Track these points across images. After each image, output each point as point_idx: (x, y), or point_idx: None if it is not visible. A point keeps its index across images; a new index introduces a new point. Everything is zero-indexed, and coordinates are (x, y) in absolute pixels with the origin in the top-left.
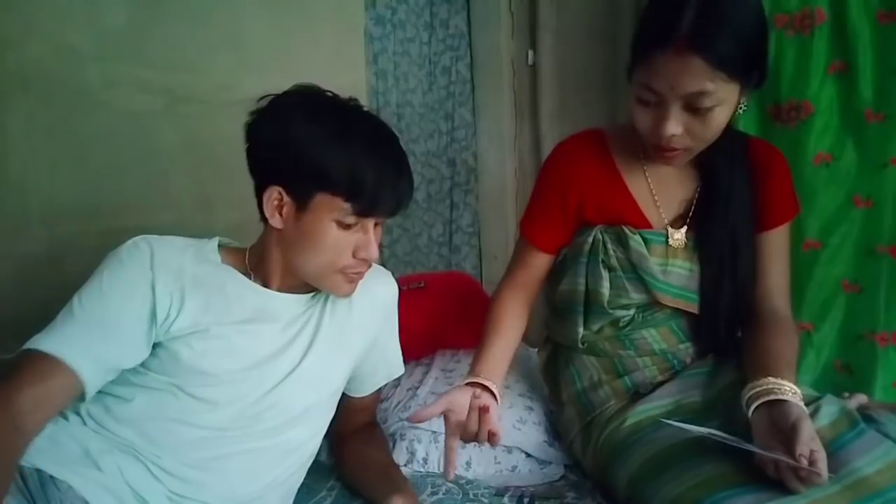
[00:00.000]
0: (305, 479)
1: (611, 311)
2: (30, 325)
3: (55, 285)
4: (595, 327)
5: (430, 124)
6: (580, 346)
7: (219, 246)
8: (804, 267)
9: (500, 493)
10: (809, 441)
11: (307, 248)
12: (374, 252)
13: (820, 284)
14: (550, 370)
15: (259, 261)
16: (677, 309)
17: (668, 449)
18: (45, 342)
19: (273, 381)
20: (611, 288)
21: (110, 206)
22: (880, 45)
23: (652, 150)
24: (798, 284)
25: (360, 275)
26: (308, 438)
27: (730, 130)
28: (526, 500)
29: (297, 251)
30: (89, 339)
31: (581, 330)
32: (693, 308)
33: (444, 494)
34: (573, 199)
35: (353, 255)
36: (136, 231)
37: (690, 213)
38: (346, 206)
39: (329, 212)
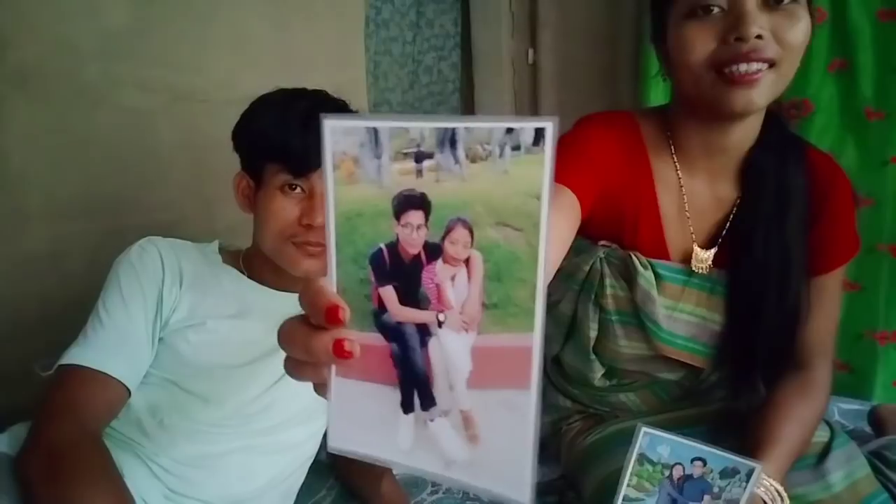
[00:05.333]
0: (304, 478)
1: (593, 357)
2: (29, 323)
3: (55, 283)
4: (569, 358)
5: None
6: (553, 364)
7: (220, 248)
8: None
9: None
10: None
11: (261, 223)
12: (316, 217)
13: None
14: None
15: (252, 259)
16: (658, 375)
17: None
18: (86, 356)
19: (269, 381)
20: (599, 331)
21: (110, 204)
22: (880, 43)
23: (721, 84)
24: None
25: (314, 247)
26: (306, 439)
27: (780, 122)
28: None
29: (257, 231)
30: (124, 349)
31: (557, 347)
32: (700, 362)
33: (443, 494)
34: (600, 175)
35: (300, 223)
36: (136, 229)
37: (724, 233)
38: (280, 165)
39: (273, 179)
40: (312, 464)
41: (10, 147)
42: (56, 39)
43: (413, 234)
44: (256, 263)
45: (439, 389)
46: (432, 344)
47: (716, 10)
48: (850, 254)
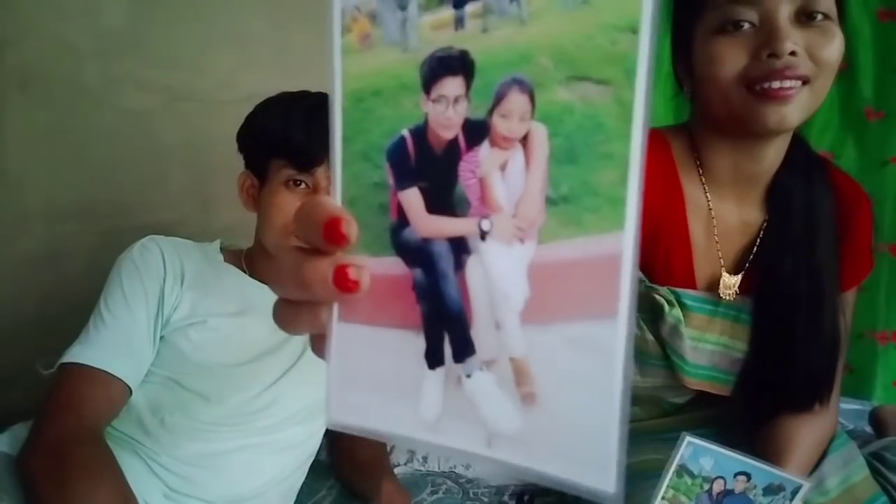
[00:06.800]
0: (304, 477)
1: None
2: (28, 323)
3: (54, 284)
4: None
5: None
6: None
7: (221, 248)
8: None
9: (500, 491)
10: None
11: (265, 219)
12: None
13: None
14: None
15: (254, 258)
16: (669, 399)
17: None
18: (88, 355)
19: (270, 379)
20: None
21: (109, 204)
22: (880, 44)
23: (753, 101)
24: None
25: None
26: (307, 437)
27: (803, 143)
28: (526, 497)
29: (260, 227)
30: (126, 347)
31: None
32: (720, 390)
33: (444, 493)
34: None
35: None
36: (136, 230)
37: (751, 258)
38: (284, 161)
39: (277, 175)
40: (312, 463)
41: (9, 147)
42: (56, 39)
43: (448, 110)
44: (258, 262)
45: (480, 330)
46: (471, 265)
47: (746, 25)
48: (867, 271)
